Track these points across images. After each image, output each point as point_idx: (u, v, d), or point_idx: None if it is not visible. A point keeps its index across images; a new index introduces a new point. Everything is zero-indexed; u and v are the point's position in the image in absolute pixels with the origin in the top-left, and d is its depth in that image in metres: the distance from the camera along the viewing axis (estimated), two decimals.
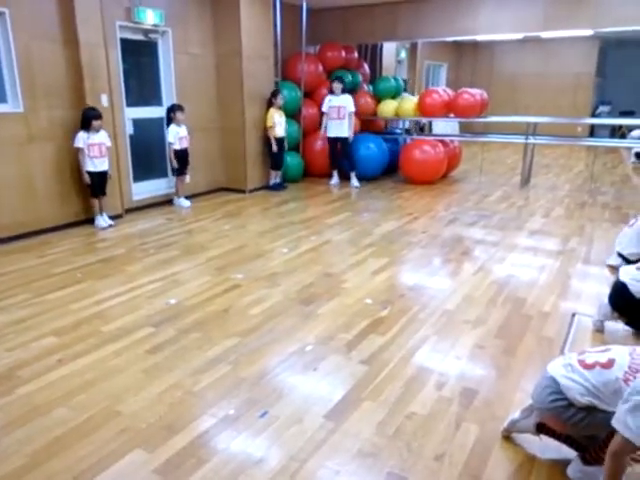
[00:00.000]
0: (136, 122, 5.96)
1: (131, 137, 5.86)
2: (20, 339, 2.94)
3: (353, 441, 2.08)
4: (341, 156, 7.45)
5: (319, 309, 3.34)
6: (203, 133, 6.68)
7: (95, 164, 5.12)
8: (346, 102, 7.20)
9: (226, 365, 2.65)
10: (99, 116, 5.04)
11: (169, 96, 6.25)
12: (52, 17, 4.85)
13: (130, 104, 5.83)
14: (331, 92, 7.26)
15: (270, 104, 6.90)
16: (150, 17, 5.67)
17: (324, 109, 7.31)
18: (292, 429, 2.15)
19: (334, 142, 7.37)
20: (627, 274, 2.95)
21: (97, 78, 5.17)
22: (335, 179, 7.62)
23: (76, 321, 3.16)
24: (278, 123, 6.90)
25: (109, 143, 5.25)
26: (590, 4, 6.45)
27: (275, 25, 7.02)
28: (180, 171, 6.19)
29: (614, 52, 14.01)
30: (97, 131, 5.07)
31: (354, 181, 7.42)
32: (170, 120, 5.98)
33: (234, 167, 6.99)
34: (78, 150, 5.05)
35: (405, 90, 9.50)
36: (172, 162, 6.10)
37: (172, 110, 5.99)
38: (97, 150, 5.10)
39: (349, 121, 7.19)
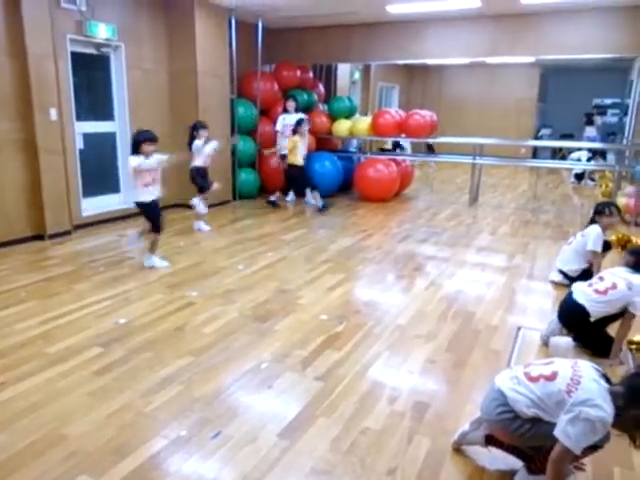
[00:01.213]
0: (86, 137, 5.82)
1: (81, 152, 5.71)
2: None
3: (307, 459, 2.07)
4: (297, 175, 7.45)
5: (275, 326, 3.34)
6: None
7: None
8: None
9: (178, 385, 2.60)
10: (153, 139, 4.42)
11: (121, 111, 6.15)
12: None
13: (80, 118, 5.69)
14: (285, 111, 7.30)
15: (295, 132, 6.82)
16: (102, 31, 5.59)
17: (278, 128, 7.33)
18: (246, 449, 2.13)
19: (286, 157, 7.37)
20: (583, 296, 3.03)
21: (46, 91, 5.03)
22: (291, 196, 7.64)
23: (20, 342, 3.03)
24: (299, 152, 6.86)
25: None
26: (532, 33, 6.83)
27: (230, 43, 7.05)
28: (205, 188, 5.85)
29: (554, 78, 14.83)
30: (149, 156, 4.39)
31: (312, 199, 7.28)
32: (193, 138, 5.63)
33: (188, 183, 6.88)
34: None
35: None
36: (196, 180, 5.73)
37: (195, 129, 5.63)
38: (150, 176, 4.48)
39: (303, 140, 7.26)
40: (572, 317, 3.07)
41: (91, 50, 5.77)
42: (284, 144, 7.19)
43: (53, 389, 2.53)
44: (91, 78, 5.98)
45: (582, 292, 3.07)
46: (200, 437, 2.19)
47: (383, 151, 8.77)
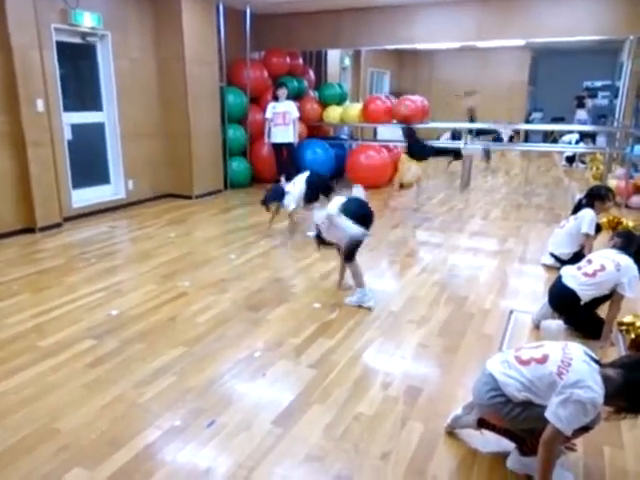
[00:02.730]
0: (75, 127, 5.75)
1: (69, 143, 5.65)
2: None
3: (301, 446, 2.09)
4: (287, 162, 7.39)
5: (268, 315, 3.34)
6: (146, 138, 6.53)
7: None
8: (290, 108, 7.15)
9: (172, 375, 2.60)
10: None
11: (109, 101, 6.08)
12: None
13: (68, 109, 5.62)
14: (275, 98, 7.16)
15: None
16: (87, 20, 5.50)
17: (268, 115, 7.12)
18: (240, 437, 2.13)
19: (279, 148, 7.30)
20: (573, 279, 3.04)
21: (32, 82, 4.95)
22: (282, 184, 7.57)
23: (11, 336, 3.01)
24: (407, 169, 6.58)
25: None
26: (522, 16, 6.78)
27: (219, 30, 6.96)
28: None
29: (545, 62, 14.78)
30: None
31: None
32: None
33: (180, 173, 6.87)
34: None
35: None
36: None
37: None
38: None
39: (294, 127, 7.20)
40: (562, 301, 3.09)
41: (77, 39, 5.68)
42: (273, 131, 7.12)
43: (45, 382, 2.53)
44: (78, 68, 5.89)
45: (571, 276, 3.08)
46: (194, 426, 2.20)
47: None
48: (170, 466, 1.97)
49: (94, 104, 6.04)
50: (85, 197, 5.97)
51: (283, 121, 7.10)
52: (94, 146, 6.11)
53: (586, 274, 3.01)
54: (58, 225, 5.40)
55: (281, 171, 7.47)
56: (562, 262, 4.06)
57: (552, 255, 4.23)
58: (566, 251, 4.11)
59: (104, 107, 6.09)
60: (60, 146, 5.47)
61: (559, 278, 3.16)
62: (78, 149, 5.80)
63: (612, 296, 2.93)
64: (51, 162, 5.26)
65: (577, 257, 3.96)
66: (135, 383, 2.52)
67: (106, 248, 4.74)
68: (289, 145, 7.25)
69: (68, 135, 5.64)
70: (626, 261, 2.89)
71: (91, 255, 4.52)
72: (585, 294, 2.99)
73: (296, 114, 7.19)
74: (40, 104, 5.06)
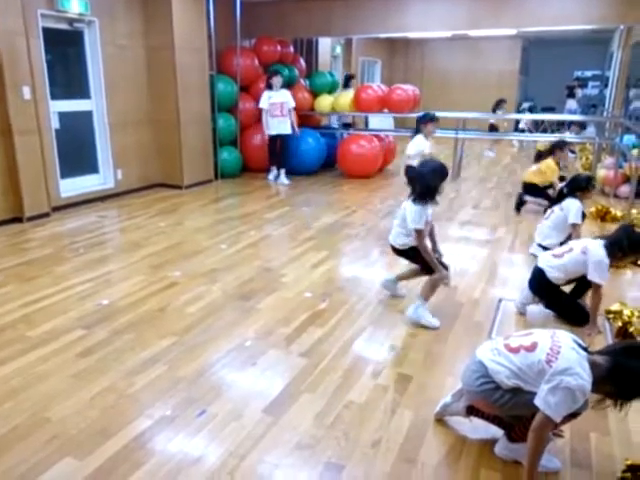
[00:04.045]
0: (62, 116, 5.67)
1: (57, 131, 5.57)
2: None
3: (292, 434, 2.10)
4: (281, 153, 7.33)
5: (259, 304, 3.34)
6: (135, 127, 6.46)
7: None
8: (287, 97, 7.04)
9: (162, 365, 2.59)
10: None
11: (97, 89, 5.99)
12: None
13: (55, 97, 5.54)
14: (269, 87, 6.97)
15: (417, 131, 5.30)
16: (75, 6, 5.40)
17: (263, 105, 6.95)
18: (231, 426, 2.14)
19: (275, 139, 7.16)
20: (544, 261, 3.15)
21: (18, 69, 4.86)
22: (274, 174, 7.54)
23: (0, 326, 2.99)
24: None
25: None
26: (513, 5, 6.77)
27: (208, 17, 6.87)
28: None
29: (536, 51, 14.78)
30: None
31: (283, 179, 7.28)
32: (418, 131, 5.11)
33: (169, 162, 6.81)
34: None
35: (348, 86, 9.62)
36: None
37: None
38: None
39: (291, 118, 7.09)
40: (538, 283, 3.14)
41: (64, 26, 5.58)
42: (270, 122, 6.98)
43: (35, 373, 2.51)
44: (65, 55, 5.80)
45: (544, 258, 3.15)
46: (185, 416, 2.20)
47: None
48: (160, 455, 1.97)
49: (82, 92, 5.95)
50: (73, 187, 5.90)
51: (281, 112, 6.99)
52: (82, 135, 6.03)
53: (555, 255, 3.10)
54: (46, 215, 5.34)
55: (273, 162, 7.43)
56: None
57: (540, 246, 4.26)
58: (553, 241, 4.14)
59: (92, 95, 6.01)
60: (47, 135, 5.40)
61: (537, 261, 3.22)
62: (66, 138, 5.72)
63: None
64: (38, 151, 5.19)
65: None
66: (125, 373, 2.52)
67: (95, 238, 4.71)
68: (286, 137, 7.17)
69: (55, 123, 5.56)
70: (594, 246, 2.91)
71: (80, 245, 4.49)
72: (552, 275, 3.05)
73: (292, 104, 7.10)
74: (27, 91, 4.98)
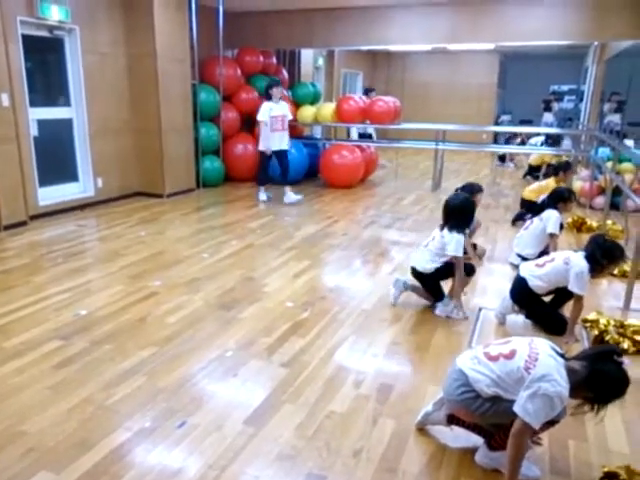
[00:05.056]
0: (42, 123, 5.60)
1: (36, 139, 5.50)
2: None
3: (273, 445, 2.08)
4: (286, 169, 6.72)
5: (240, 314, 3.32)
6: (116, 135, 6.41)
7: None
8: (287, 111, 6.59)
9: (142, 376, 2.56)
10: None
11: (77, 97, 5.94)
12: None
13: (35, 104, 5.47)
14: (268, 98, 6.41)
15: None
16: (55, 13, 5.36)
17: (263, 118, 6.32)
18: (211, 437, 2.12)
19: (270, 156, 6.58)
20: (527, 270, 3.20)
21: None
22: (266, 195, 6.81)
23: None
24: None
25: None
26: (491, 20, 6.93)
27: (191, 27, 6.88)
28: None
29: (513, 66, 15.11)
30: None
31: (290, 196, 6.68)
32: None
33: (150, 171, 6.76)
34: None
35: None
36: None
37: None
38: None
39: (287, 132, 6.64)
40: (519, 292, 3.19)
41: (44, 33, 5.53)
42: (271, 137, 6.41)
43: (10, 384, 2.46)
44: (45, 62, 5.74)
45: (526, 267, 3.21)
46: (165, 427, 2.17)
47: None
48: (140, 468, 1.94)
49: (62, 99, 5.90)
50: (52, 195, 5.82)
51: (282, 126, 6.49)
52: (62, 143, 5.96)
53: (537, 264, 3.16)
54: (24, 223, 5.25)
55: (265, 181, 6.78)
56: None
57: (519, 256, 4.33)
58: (532, 251, 4.21)
59: (72, 103, 5.95)
60: (26, 142, 5.32)
61: (519, 271, 3.27)
62: (45, 146, 5.65)
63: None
64: (16, 159, 5.11)
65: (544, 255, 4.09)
66: (104, 384, 2.48)
67: (74, 247, 4.64)
68: (284, 152, 6.67)
69: (34, 131, 5.49)
70: (576, 257, 2.97)
71: (58, 254, 4.42)
72: (534, 284, 3.10)
73: (291, 116, 6.80)
74: (5, 98, 4.92)
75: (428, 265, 3.36)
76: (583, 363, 1.78)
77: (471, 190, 4.26)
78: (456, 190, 4.24)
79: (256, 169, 7.12)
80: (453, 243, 3.23)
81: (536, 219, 4.26)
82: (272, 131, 6.41)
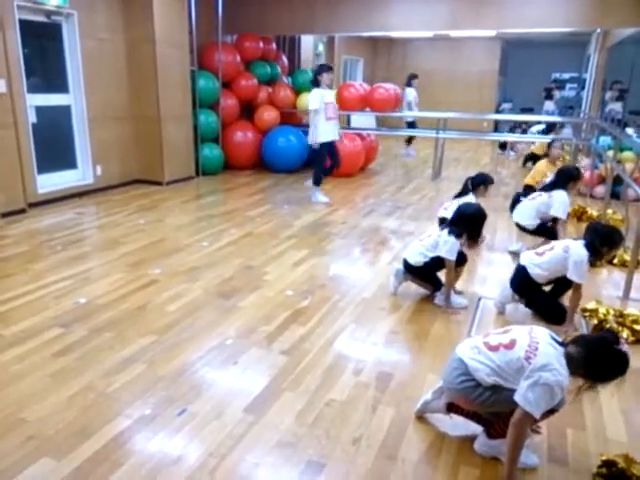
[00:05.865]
0: (40, 110, 5.55)
1: (34, 126, 5.45)
2: None
3: (273, 432, 2.09)
4: (336, 159, 6.22)
5: (240, 302, 3.32)
6: (114, 122, 6.37)
7: None
8: (334, 97, 6.13)
9: (142, 364, 2.56)
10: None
11: (76, 83, 5.89)
12: None
13: (33, 91, 5.42)
14: (316, 84, 5.83)
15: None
16: None
17: (316, 106, 5.72)
18: (211, 425, 2.13)
19: (326, 146, 5.97)
20: (527, 258, 3.20)
21: None
22: (324, 196, 6.15)
23: None
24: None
25: None
26: (493, 6, 6.84)
27: (190, 12, 6.81)
28: None
29: (515, 52, 14.98)
30: None
31: (319, 196, 6.15)
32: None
33: (150, 158, 6.72)
34: None
35: (410, 85, 10.07)
36: None
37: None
38: None
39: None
40: (520, 281, 3.19)
41: (42, 18, 5.46)
42: (326, 127, 5.83)
43: (10, 372, 2.46)
44: (43, 48, 5.68)
45: (527, 256, 3.20)
46: (165, 415, 2.18)
47: None
48: (140, 455, 1.95)
49: (60, 86, 5.84)
50: (51, 182, 5.79)
51: (334, 114, 5.98)
52: (60, 129, 5.92)
53: (537, 253, 3.16)
54: (22, 211, 5.23)
55: (322, 177, 6.19)
56: (526, 231, 4.34)
57: (517, 225, 4.34)
58: (528, 222, 4.25)
59: (70, 89, 5.90)
60: (24, 129, 5.28)
61: (519, 259, 3.27)
62: (43, 132, 5.61)
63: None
64: (15, 146, 5.08)
65: (541, 230, 4.22)
66: (104, 372, 2.48)
67: (73, 235, 4.63)
68: (334, 142, 6.10)
69: (32, 118, 5.44)
70: (576, 246, 2.97)
71: (57, 242, 4.41)
72: (534, 272, 3.11)
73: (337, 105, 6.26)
74: (2, 85, 4.87)
75: (418, 258, 3.37)
76: (580, 349, 1.78)
77: (484, 180, 4.23)
78: (467, 180, 4.21)
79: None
80: (448, 245, 3.21)
81: (545, 193, 4.25)
82: (327, 120, 5.83)
